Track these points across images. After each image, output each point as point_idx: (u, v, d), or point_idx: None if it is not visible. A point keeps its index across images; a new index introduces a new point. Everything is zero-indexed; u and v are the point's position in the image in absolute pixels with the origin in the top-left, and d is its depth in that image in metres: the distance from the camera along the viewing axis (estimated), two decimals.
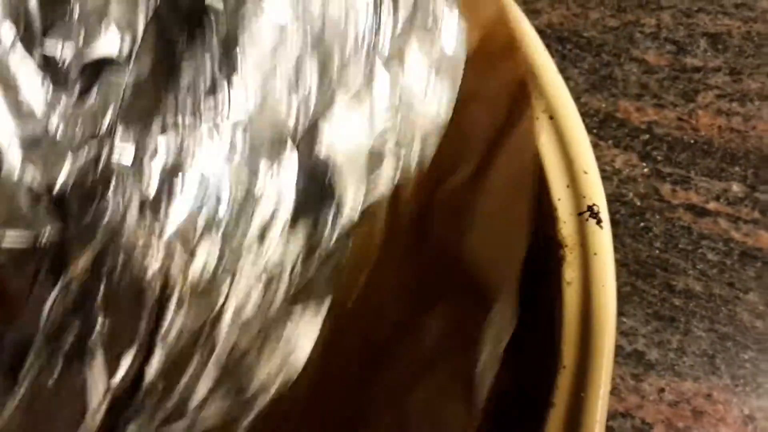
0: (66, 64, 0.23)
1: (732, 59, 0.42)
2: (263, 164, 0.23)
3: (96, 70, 0.23)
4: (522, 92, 0.30)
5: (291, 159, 0.24)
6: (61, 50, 0.23)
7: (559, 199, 0.30)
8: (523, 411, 0.28)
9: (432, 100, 0.27)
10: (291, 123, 0.24)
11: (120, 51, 0.23)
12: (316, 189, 0.24)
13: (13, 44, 0.23)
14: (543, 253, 0.30)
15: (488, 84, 0.31)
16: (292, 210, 0.24)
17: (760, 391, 0.36)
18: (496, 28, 0.31)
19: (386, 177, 0.25)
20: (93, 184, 0.23)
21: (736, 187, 0.39)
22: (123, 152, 0.23)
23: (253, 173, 0.23)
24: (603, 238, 0.29)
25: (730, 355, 0.36)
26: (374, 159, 0.25)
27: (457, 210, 0.27)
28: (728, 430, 0.36)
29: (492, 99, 0.30)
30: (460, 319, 0.28)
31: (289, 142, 0.24)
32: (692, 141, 0.40)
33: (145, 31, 0.24)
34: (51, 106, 0.23)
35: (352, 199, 0.25)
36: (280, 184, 0.24)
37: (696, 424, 0.36)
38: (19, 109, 0.23)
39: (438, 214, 0.28)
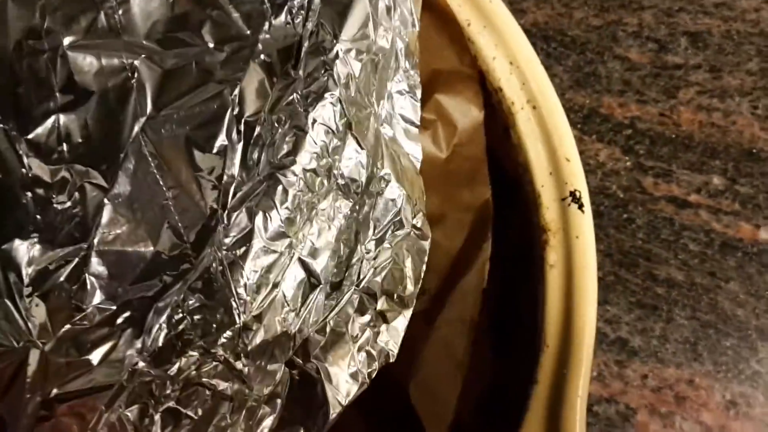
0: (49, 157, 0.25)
1: (712, 57, 0.43)
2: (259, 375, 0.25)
3: (78, 174, 0.25)
4: (483, 218, 0.32)
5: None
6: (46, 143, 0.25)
7: (542, 186, 0.31)
8: (509, 388, 0.29)
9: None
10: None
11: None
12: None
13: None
14: (527, 237, 0.31)
15: (450, 208, 0.32)
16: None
17: (742, 377, 0.37)
18: (464, 147, 0.33)
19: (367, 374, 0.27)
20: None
21: (716, 180, 0.40)
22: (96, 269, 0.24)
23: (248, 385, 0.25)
24: (584, 222, 0.29)
25: (711, 342, 0.37)
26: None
27: (409, 345, 0.28)
28: (710, 415, 0.36)
29: (453, 225, 0.32)
30: None
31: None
32: (674, 136, 0.41)
33: (129, 151, 0.25)
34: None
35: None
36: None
37: (679, 409, 0.37)
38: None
39: None
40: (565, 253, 0.29)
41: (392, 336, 0.26)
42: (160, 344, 0.23)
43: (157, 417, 0.23)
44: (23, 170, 0.25)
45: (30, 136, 0.25)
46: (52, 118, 0.25)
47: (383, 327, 0.26)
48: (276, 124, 0.25)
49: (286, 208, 0.24)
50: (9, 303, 0.24)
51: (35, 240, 0.24)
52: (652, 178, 0.40)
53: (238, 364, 0.24)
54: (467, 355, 0.31)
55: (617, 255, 0.39)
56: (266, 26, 0.26)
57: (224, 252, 0.24)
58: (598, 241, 0.37)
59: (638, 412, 0.37)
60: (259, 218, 0.24)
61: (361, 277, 0.26)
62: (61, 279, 0.24)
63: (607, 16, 0.44)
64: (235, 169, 0.24)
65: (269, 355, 0.24)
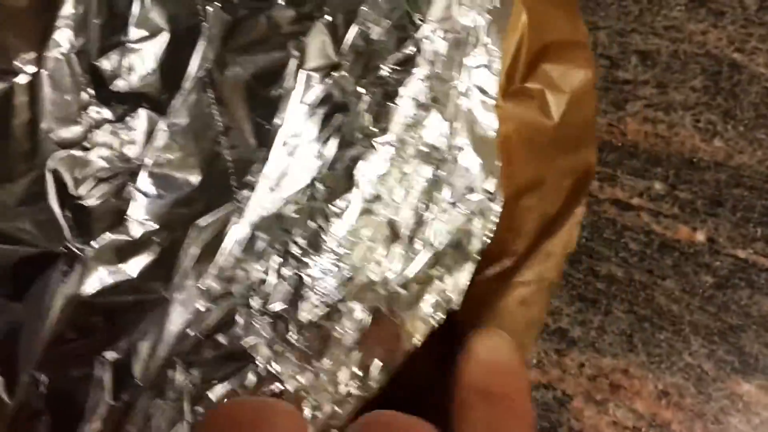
0: (111, 83, 0.27)
1: (660, 74, 0.46)
2: None
3: (136, 101, 0.27)
4: (582, 182, 0.33)
5: None
6: (111, 70, 0.27)
7: None
8: None
9: None
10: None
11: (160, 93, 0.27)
12: None
13: (69, 53, 0.27)
14: None
15: (550, 173, 0.33)
16: None
17: (674, 369, 0.39)
18: (574, 112, 0.33)
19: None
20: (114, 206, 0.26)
21: (658, 186, 0.43)
22: (144, 186, 0.26)
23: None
24: None
25: (646, 334, 0.39)
26: None
27: (483, 302, 0.31)
28: (643, 403, 0.38)
29: (550, 190, 0.33)
30: None
31: None
32: (620, 144, 0.44)
33: (192, 87, 0.27)
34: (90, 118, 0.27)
35: None
36: None
37: (613, 396, 0.38)
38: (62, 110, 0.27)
39: (467, 304, 0.31)
40: None
41: (455, 286, 0.29)
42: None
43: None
44: (84, 94, 0.27)
45: (97, 63, 0.27)
46: (121, 49, 0.27)
47: (447, 278, 0.29)
48: (364, 93, 0.27)
49: (381, 172, 0.27)
50: (54, 206, 0.25)
51: (87, 155, 0.26)
52: (597, 182, 0.43)
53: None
54: (541, 314, 0.32)
55: None
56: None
57: (329, 207, 0.27)
58: None
59: (574, 399, 0.38)
60: (359, 178, 0.27)
61: (434, 237, 0.28)
62: (108, 190, 0.26)
63: None
64: (287, 116, 0.27)
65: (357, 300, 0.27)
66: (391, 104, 0.27)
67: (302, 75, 0.27)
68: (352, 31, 0.28)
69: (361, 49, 0.28)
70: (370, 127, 0.27)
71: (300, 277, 0.26)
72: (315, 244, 0.26)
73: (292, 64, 0.27)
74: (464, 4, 0.30)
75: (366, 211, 0.27)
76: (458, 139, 0.29)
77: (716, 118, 0.44)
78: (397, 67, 0.28)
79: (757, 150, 0.43)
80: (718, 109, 0.44)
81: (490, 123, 0.30)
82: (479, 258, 0.29)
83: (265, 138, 0.27)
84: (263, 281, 0.26)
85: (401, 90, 0.28)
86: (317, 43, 0.28)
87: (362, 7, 0.28)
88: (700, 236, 0.41)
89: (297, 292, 0.26)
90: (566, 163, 0.34)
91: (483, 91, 0.30)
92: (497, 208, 0.29)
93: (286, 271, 0.26)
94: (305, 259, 0.26)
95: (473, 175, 0.29)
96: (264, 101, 0.27)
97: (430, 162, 0.28)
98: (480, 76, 0.30)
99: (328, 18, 0.28)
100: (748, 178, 0.42)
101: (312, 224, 0.26)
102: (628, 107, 0.45)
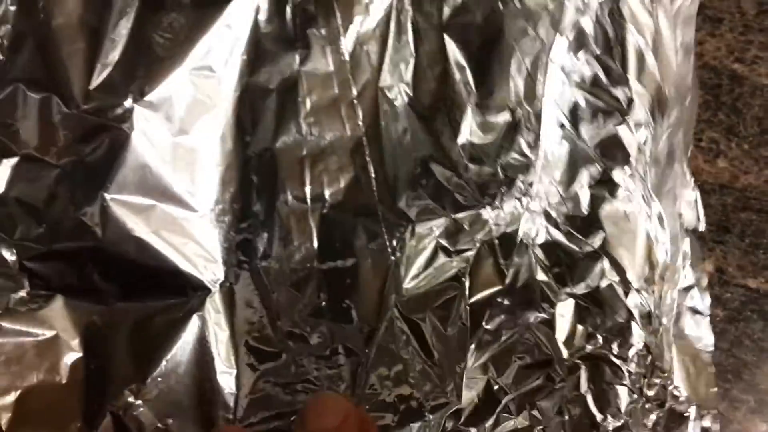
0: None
1: None
2: None
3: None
4: None
5: None
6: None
7: None
8: None
9: None
10: None
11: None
12: None
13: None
14: None
15: None
16: None
17: None
18: None
19: None
20: None
21: None
22: None
23: None
24: None
25: None
26: None
27: None
28: None
29: None
30: None
31: None
32: None
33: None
34: None
35: None
36: None
37: None
38: None
39: None
40: None
41: None
42: None
43: None
44: (278, 321, 0.26)
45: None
46: (309, 266, 0.26)
47: None
48: (580, 365, 0.26)
49: None
50: None
51: (288, 391, 0.25)
52: None
53: None
54: None
55: None
56: (497, 201, 0.27)
57: None
58: None
59: None
60: None
61: None
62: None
63: None
64: (468, 358, 0.26)
65: None
66: (618, 386, 0.26)
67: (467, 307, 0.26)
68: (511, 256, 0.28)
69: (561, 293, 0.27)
70: (602, 412, 0.26)
71: None
72: None
73: (460, 297, 0.26)
74: (660, 241, 0.28)
75: None
76: (672, 385, 0.28)
77: (719, 136, 0.42)
78: (613, 337, 0.26)
79: (763, 169, 0.41)
80: (720, 126, 0.42)
81: (706, 342, 0.29)
82: None
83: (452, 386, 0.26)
84: None
85: (623, 369, 0.26)
86: (483, 267, 0.27)
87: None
88: (708, 266, 0.39)
89: None
90: None
91: (695, 312, 0.29)
92: None
93: None
94: None
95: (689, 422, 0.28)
96: (443, 338, 0.26)
97: (653, 411, 0.28)
98: (690, 298, 0.29)
99: (495, 236, 0.27)
100: (756, 200, 0.40)
101: None
102: None
